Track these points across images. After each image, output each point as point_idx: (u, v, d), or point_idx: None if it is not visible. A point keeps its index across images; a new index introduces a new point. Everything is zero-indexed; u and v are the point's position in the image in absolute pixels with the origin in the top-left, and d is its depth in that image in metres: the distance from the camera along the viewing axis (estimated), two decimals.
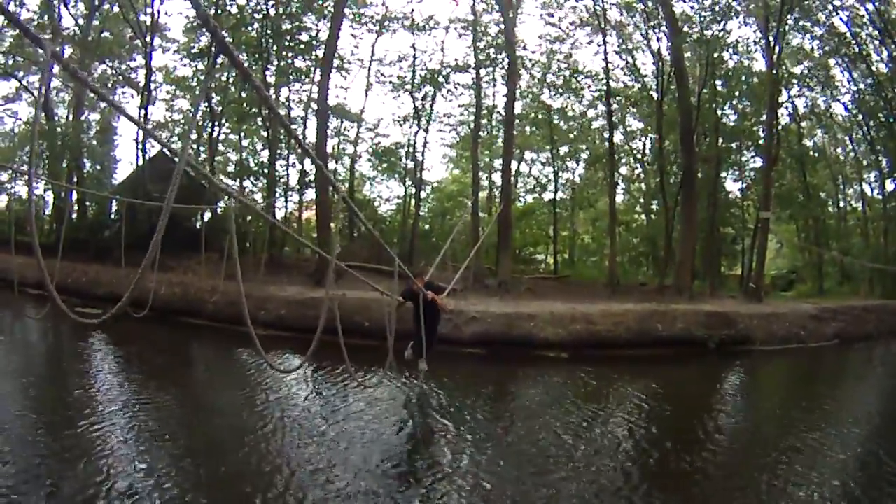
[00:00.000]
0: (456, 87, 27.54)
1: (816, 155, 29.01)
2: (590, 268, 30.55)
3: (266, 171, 25.91)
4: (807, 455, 8.22)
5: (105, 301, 17.49)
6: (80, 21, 25.89)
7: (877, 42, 24.24)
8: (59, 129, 24.76)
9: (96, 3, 25.22)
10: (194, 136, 25.09)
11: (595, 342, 15.65)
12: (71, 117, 26.74)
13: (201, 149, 25.59)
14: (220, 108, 24.35)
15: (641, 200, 31.10)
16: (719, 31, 23.81)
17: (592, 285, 23.27)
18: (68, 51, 26.72)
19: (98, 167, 26.76)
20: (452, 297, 16.45)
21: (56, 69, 26.35)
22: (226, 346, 14.52)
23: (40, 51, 2.18)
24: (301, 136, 26.83)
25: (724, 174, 26.61)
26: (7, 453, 6.54)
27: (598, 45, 25.37)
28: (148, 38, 24.92)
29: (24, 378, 10.30)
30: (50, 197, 28.36)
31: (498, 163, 27.31)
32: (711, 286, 22.99)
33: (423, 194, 29.60)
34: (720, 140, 25.32)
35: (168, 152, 22.69)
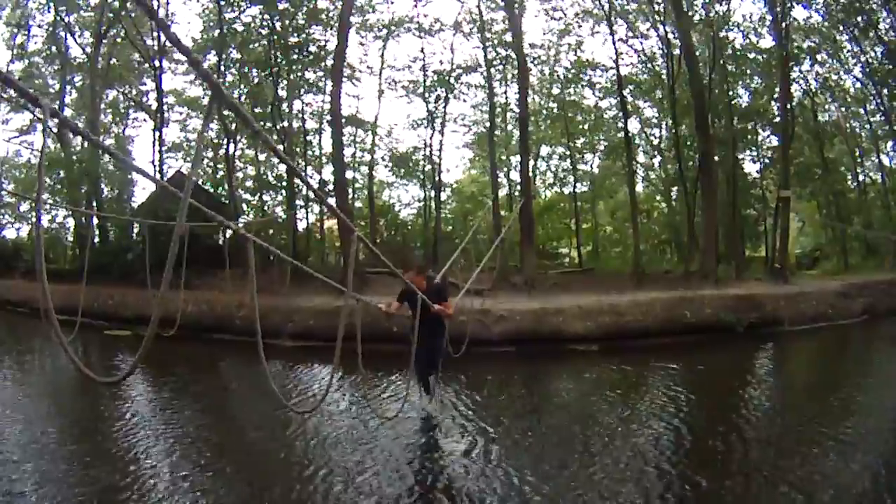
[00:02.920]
0: (468, 88, 27.60)
1: (833, 130, 28.69)
2: (614, 259, 30.40)
3: (284, 184, 26.01)
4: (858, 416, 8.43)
5: (132, 323, 17.65)
6: (88, 49, 26.17)
7: (883, 10, 23.92)
8: (74, 157, 24.99)
9: (102, 31, 25.45)
10: (210, 155, 25.23)
11: (624, 333, 15.61)
12: (86, 144, 26.95)
13: (219, 167, 25.74)
14: (233, 126, 24.44)
15: (661, 188, 30.87)
16: (723, 10, 23.71)
17: (618, 276, 23.09)
18: (78, 79, 27.12)
19: (116, 191, 26.97)
20: (488, 297, 16.39)
21: (69, 99, 26.72)
22: (256, 359, 14.48)
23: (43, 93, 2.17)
24: (317, 146, 26.99)
25: (741, 155, 26.35)
26: (41, 480, 6.53)
27: (606, 36, 25.23)
28: (157, 62, 25.17)
29: (55, 402, 10.41)
30: (71, 223, 28.77)
31: (515, 160, 27.23)
32: (737, 269, 22.76)
33: (443, 196, 29.69)
34: (735, 121, 25.07)
35: (182, 175, 23.08)
